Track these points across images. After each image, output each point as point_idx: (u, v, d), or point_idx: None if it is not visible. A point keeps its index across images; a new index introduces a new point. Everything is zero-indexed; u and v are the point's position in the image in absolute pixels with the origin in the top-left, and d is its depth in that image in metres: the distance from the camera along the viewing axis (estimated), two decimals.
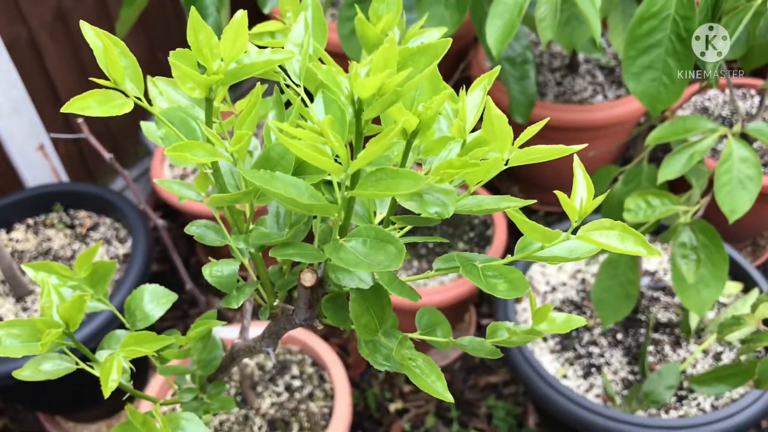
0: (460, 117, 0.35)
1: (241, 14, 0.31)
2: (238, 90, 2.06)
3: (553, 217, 1.86)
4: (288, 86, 0.38)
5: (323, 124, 0.28)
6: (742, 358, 0.85)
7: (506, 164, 0.35)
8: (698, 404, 1.27)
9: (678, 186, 1.20)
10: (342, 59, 0.98)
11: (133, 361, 0.54)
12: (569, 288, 1.48)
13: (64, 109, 0.33)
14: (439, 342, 0.43)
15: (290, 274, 0.43)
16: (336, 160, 0.31)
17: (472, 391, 1.68)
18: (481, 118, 0.37)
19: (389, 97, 0.29)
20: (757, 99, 1.78)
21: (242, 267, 0.47)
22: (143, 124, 0.47)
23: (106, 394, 0.42)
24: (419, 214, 0.34)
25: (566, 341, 1.39)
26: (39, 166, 1.73)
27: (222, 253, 1.67)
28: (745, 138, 0.95)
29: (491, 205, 0.37)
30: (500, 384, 1.69)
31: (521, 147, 0.36)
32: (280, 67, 0.38)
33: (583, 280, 1.48)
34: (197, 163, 0.36)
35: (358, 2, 0.95)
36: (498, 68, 0.39)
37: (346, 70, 0.32)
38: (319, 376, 1.40)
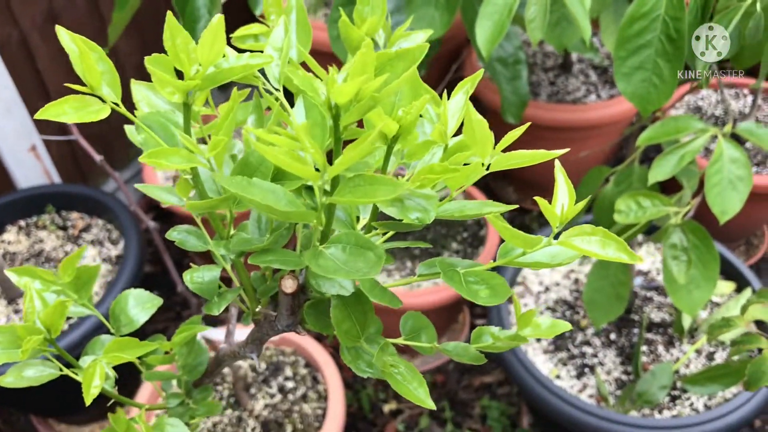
0: (442, 121, 0.35)
1: (218, 19, 0.31)
2: (229, 91, 2.05)
3: None
4: (268, 91, 0.38)
5: (299, 130, 0.28)
6: (734, 358, 0.85)
7: (487, 169, 0.35)
8: (691, 404, 1.27)
9: (670, 186, 1.20)
10: (334, 60, 0.97)
11: (125, 365, 0.54)
12: (562, 288, 1.48)
13: (38, 116, 0.33)
14: (424, 347, 0.42)
15: (272, 280, 0.43)
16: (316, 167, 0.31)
17: (466, 392, 1.68)
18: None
19: (367, 103, 0.29)
20: (750, 98, 1.78)
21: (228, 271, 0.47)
22: (127, 128, 0.46)
23: (88, 401, 0.42)
24: (401, 220, 0.34)
25: (559, 341, 1.39)
26: (31, 167, 1.72)
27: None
28: (736, 138, 0.95)
29: (473, 211, 0.37)
30: (494, 384, 1.69)
31: (504, 151, 0.36)
32: (260, 71, 0.38)
33: (577, 280, 1.48)
34: (176, 169, 0.36)
35: (344, 5, 0.95)
36: (481, 72, 0.39)
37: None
38: (312, 377, 1.39)
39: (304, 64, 0.43)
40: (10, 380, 0.45)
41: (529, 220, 1.92)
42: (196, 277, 0.43)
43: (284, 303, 0.40)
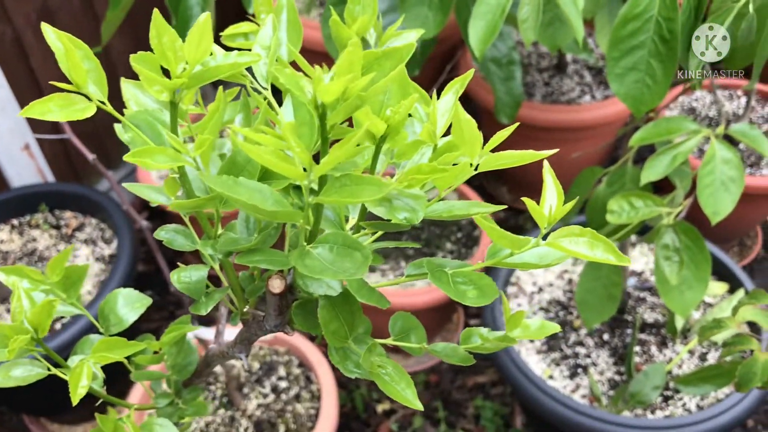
0: (431, 121, 0.35)
1: (205, 17, 0.31)
2: (226, 88, 2.05)
3: None
4: (255, 89, 0.37)
5: (285, 129, 0.28)
6: (726, 359, 0.85)
7: (476, 169, 0.35)
8: (684, 404, 1.27)
9: (663, 187, 1.20)
10: (328, 60, 0.97)
11: (118, 365, 0.53)
12: (556, 288, 1.48)
13: (23, 113, 0.33)
14: (413, 348, 0.42)
15: (260, 280, 0.43)
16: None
17: (459, 392, 1.68)
18: None
19: (353, 102, 0.29)
20: (744, 99, 1.78)
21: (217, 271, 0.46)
22: (117, 126, 0.46)
23: (75, 400, 0.42)
24: (390, 220, 0.34)
25: (553, 342, 1.39)
26: (24, 166, 1.72)
27: None
28: (729, 140, 0.95)
29: (461, 211, 0.37)
30: (488, 384, 1.69)
31: (495, 151, 0.35)
32: (248, 69, 0.37)
33: (570, 281, 1.48)
34: (163, 168, 0.36)
35: (337, 4, 0.94)
36: (471, 71, 0.38)
37: None
38: (305, 377, 1.39)
39: (294, 64, 0.43)
40: None
41: (523, 220, 1.92)
42: (184, 277, 0.43)
43: (272, 303, 0.40)
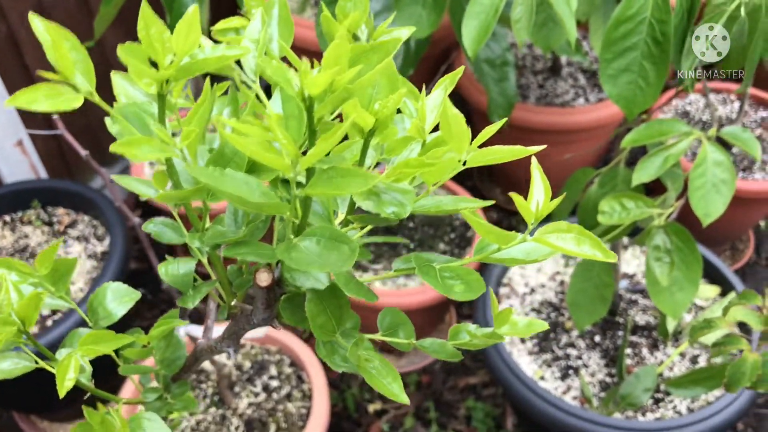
0: (419, 117, 0.35)
1: (194, 8, 0.31)
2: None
3: None
4: (245, 83, 0.37)
5: (272, 121, 0.28)
6: (717, 360, 0.86)
7: (464, 165, 0.35)
8: (674, 407, 1.28)
9: (655, 190, 1.20)
10: (321, 58, 0.97)
11: (109, 360, 0.53)
12: (548, 290, 1.48)
13: (8, 103, 0.33)
14: (401, 344, 0.42)
15: (248, 274, 0.43)
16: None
17: (451, 393, 1.68)
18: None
19: (340, 94, 0.29)
20: (737, 104, 1.79)
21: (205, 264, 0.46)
22: (107, 120, 0.46)
23: (62, 393, 0.41)
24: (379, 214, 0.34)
25: (544, 343, 1.39)
26: (17, 162, 1.71)
27: None
28: (722, 142, 0.95)
29: (449, 206, 0.37)
30: (479, 385, 1.69)
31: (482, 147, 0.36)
32: (237, 63, 0.37)
33: (562, 282, 1.48)
34: (150, 159, 0.36)
35: (330, 3, 0.94)
36: (461, 69, 0.38)
37: None
38: (297, 376, 1.39)
39: (286, 60, 0.43)
40: None
41: (516, 222, 1.92)
42: (171, 269, 0.43)
43: (259, 297, 0.40)
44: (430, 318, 1.68)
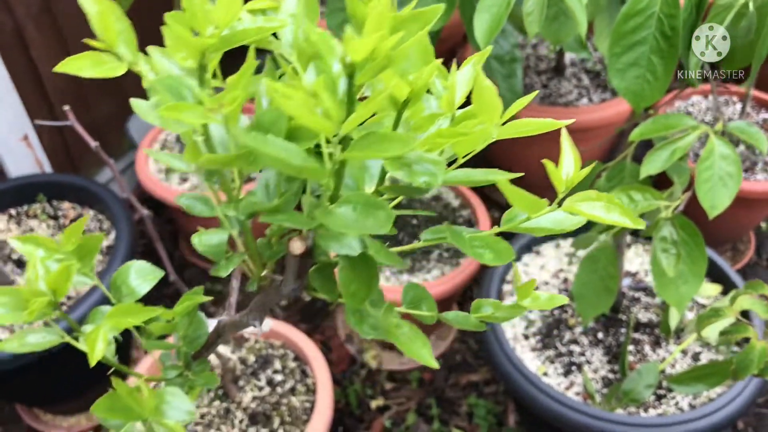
0: (450, 90, 0.36)
1: None
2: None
3: None
4: (281, 55, 0.38)
5: (316, 85, 0.29)
6: (720, 348, 0.86)
7: (494, 137, 0.36)
8: (676, 403, 1.28)
9: (663, 186, 1.21)
10: None
11: (120, 346, 0.54)
12: (551, 287, 1.49)
13: (58, 69, 0.34)
14: (424, 316, 0.43)
15: (278, 245, 0.43)
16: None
17: (453, 390, 1.69)
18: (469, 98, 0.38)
19: (381, 62, 0.30)
20: (739, 105, 1.80)
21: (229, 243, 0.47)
22: (133, 100, 0.47)
23: (92, 362, 0.42)
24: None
25: (547, 339, 1.40)
26: (23, 156, 1.72)
27: None
28: (727, 137, 0.96)
29: (480, 177, 0.38)
30: (481, 383, 1.70)
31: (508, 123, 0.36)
32: (274, 36, 0.38)
33: (566, 280, 1.50)
34: (186, 130, 0.36)
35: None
36: (489, 48, 0.40)
37: None
38: (301, 371, 1.40)
39: None
40: (13, 345, 0.46)
41: None
42: (205, 239, 0.44)
43: (291, 266, 0.41)
44: None
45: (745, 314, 1.23)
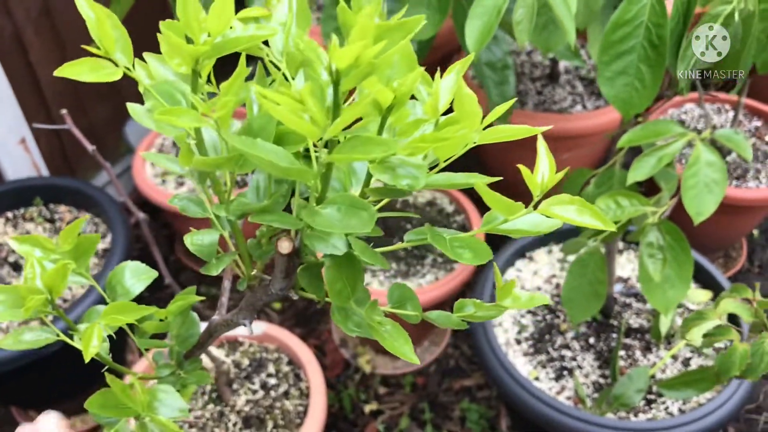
0: (434, 96, 0.37)
1: None
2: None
3: None
4: (271, 62, 0.40)
5: (303, 91, 0.30)
6: (707, 353, 0.88)
7: (475, 142, 0.38)
8: (666, 408, 1.30)
9: (655, 192, 1.23)
10: None
11: (113, 348, 0.55)
12: (543, 292, 1.50)
13: (57, 73, 0.35)
14: (409, 316, 0.45)
15: (268, 245, 0.45)
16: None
17: (446, 394, 1.70)
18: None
19: (365, 69, 0.31)
20: (731, 113, 1.82)
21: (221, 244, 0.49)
22: (129, 105, 0.48)
23: (87, 358, 0.43)
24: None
25: (539, 344, 1.41)
26: (20, 160, 1.73)
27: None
28: (714, 144, 0.98)
29: (460, 180, 0.39)
30: (474, 387, 1.71)
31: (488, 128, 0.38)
32: (264, 44, 0.40)
33: (558, 285, 1.51)
34: (180, 134, 0.38)
35: (336, 4, 0.97)
36: (472, 55, 0.41)
37: None
38: (295, 374, 1.41)
39: None
40: (9, 343, 0.47)
41: None
42: (196, 240, 0.45)
43: (279, 265, 0.42)
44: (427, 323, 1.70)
45: (735, 319, 1.25)
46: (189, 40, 0.34)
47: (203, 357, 1.38)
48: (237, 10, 0.47)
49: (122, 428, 0.50)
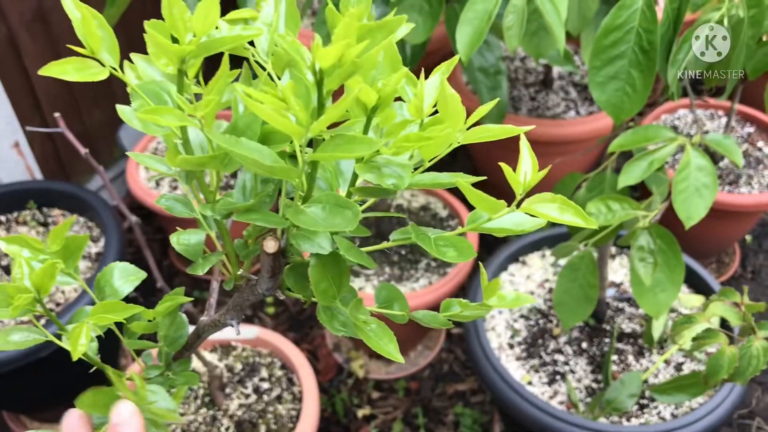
0: (418, 97, 0.37)
1: None
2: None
3: None
4: (257, 62, 0.40)
5: (285, 90, 0.31)
6: (703, 359, 0.88)
7: (459, 142, 0.38)
8: (659, 413, 1.30)
9: (646, 197, 1.23)
10: None
11: (103, 350, 0.55)
12: (537, 297, 1.51)
13: (42, 72, 0.35)
14: (396, 315, 0.45)
15: (254, 245, 0.45)
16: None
17: (439, 399, 1.70)
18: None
19: (348, 68, 0.31)
20: (724, 119, 1.83)
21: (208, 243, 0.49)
22: (119, 106, 0.48)
23: (75, 356, 0.43)
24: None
25: (532, 349, 1.41)
26: (14, 164, 1.73)
27: None
28: (705, 149, 0.98)
29: (445, 180, 0.39)
30: (467, 392, 1.71)
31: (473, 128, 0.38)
32: (250, 44, 0.40)
33: (551, 290, 1.51)
34: (168, 133, 0.38)
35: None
36: (457, 57, 0.41)
37: None
38: (287, 378, 1.41)
39: None
40: None
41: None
42: (183, 239, 0.45)
43: (265, 265, 0.42)
44: (422, 327, 1.71)
45: (726, 323, 1.25)
46: (175, 40, 0.34)
47: (196, 361, 1.37)
48: (228, 12, 0.47)
49: None
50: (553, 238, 1.55)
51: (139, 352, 0.58)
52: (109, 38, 0.36)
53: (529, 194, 0.40)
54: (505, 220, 0.39)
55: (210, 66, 0.40)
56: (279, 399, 1.38)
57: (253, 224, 0.44)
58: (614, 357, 1.38)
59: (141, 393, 0.48)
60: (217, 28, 0.35)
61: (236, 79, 0.48)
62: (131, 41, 1.88)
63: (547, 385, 1.36)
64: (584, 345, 1.41)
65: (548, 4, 0.80)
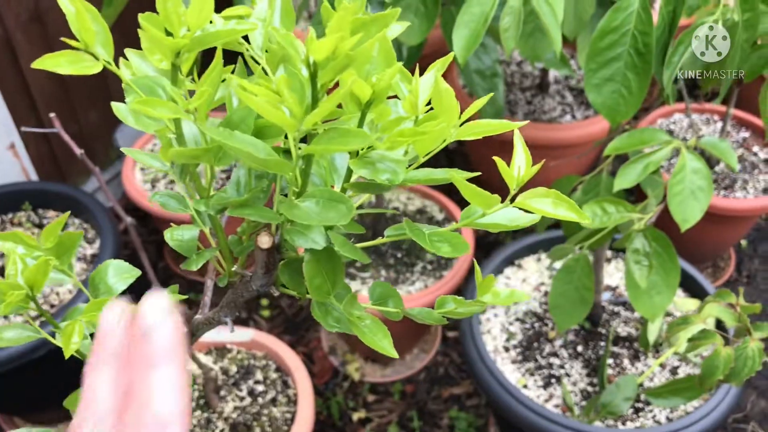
0: (413, 93, 0.37)
1: None
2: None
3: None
4: (251, 57, 0.40)
5: (279, 83, 0.31)
6: (689, 355, 0.88)
7: (453, 137, 0.38)
8: (654, 416, 1.30)
9: (640, 201, 1.24)
10: None
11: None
12: (532, 300, 1.51)
13: (35, 65, 0.35)
14: (390, 312, 0.45)
15: (248, 241, 0.45)
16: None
17: (435, 402, 1.70)
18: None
19: (342, 61, 0.31)
20: (720, 124, 1.83)
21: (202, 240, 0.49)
22: (114, 104, 0.48)
23: (67, 354, 0.43)
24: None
25: (528, 352, 1.41)
26: (9, 165, 1.73)
27: None
28: (700, 152, 0.99)
29: (440, 176, 0.39)
30: (463, 396, 1.71)
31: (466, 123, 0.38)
32: (245, 40, 0.40)
33: (546, 293, 1.51)
34: (161, 127, 0.38)
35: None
36: (452, 54, 0.41)
37: None
38: (282, 381, 1.40)
39: None
40: None
41: (503, 236, 1.95)
42: (177, 235, 0.45)
43: (260, 261, 0.42)
44: (417, 327, 1.70)
45: (722, 325, 1.25)
46: (169, 34, 0.34)
47: (191, 363, 1.37)
48: (222, 9, 0.47)
49: None
50: (549, 241, 1.55)
51: None
52: (103, 32, 0.36)
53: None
54: (499, 215, 0.39)
55: (205, 65, 0.40)
56: (274, 402, 1.37)
57: (247, 220, 0.43)
58: (610, 360, 1.38)
59: None
60: (211, 22, 0.35)
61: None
62: (126, 40, 1.89)
63: (542, 389, 1.36)
64: (580, 348, 1.41)
65: (545, 6, 0.80)
